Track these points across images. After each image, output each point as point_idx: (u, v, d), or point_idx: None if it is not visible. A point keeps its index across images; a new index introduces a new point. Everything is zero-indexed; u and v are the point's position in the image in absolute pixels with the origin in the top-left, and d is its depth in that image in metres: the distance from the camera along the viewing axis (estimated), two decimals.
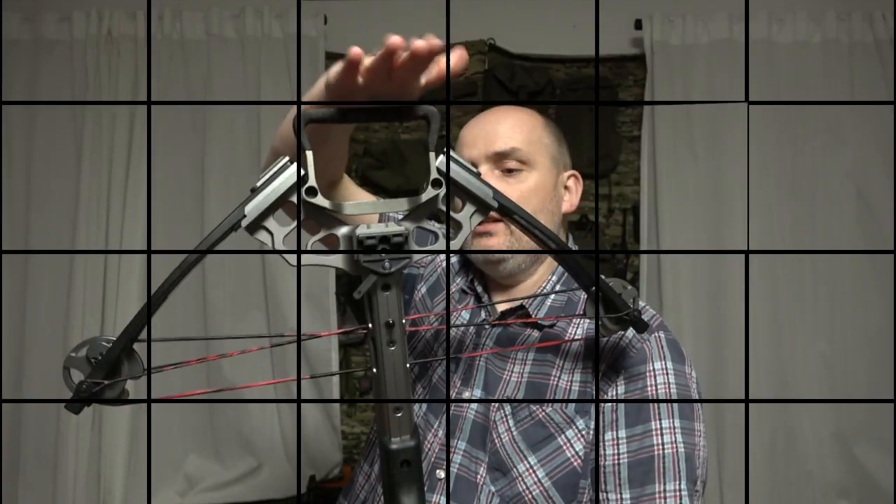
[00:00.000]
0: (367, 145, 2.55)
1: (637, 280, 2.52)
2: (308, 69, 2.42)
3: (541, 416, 0.96)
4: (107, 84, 2.37)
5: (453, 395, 1.01)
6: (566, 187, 1.10)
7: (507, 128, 1.04)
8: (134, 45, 2.39)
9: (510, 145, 1.03)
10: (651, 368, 0.93)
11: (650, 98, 2.46)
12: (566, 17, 2.57)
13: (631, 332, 0.96)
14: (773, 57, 2.45)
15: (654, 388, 0.92)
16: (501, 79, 2.51)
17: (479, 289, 1.10)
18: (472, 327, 1.06)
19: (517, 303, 1.05)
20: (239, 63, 2.41)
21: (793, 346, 2.40)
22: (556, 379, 0.98)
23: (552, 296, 1.05)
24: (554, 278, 1.08)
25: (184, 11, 2.42)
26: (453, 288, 1.12)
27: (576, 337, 1.00)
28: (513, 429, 0.96)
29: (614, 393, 0.93)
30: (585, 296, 1.00)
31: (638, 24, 2.48)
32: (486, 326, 1.05)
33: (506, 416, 0.97)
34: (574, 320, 1.02)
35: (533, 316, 1.03)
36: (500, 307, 1.06)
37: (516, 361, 1.00)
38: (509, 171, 1.03)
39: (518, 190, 1.02)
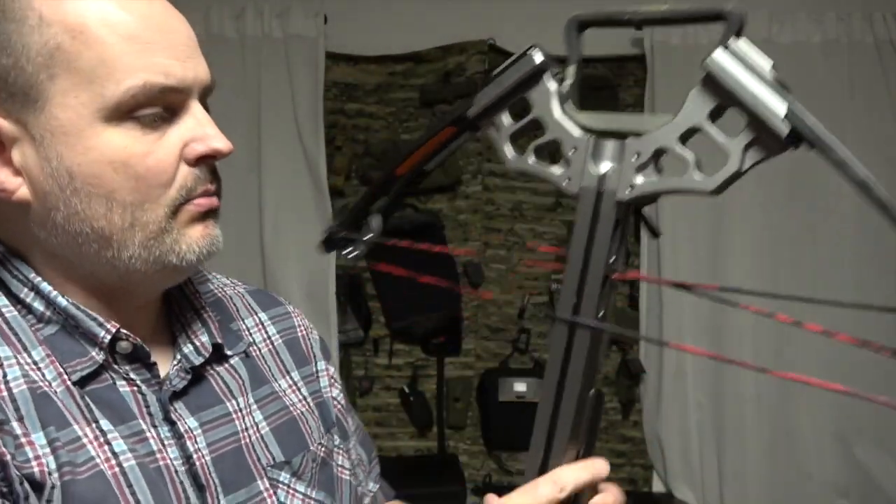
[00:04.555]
0: (367, 145, 2.55)
1: (636, 281, 2.52)
2: (308, 69, 2.42)
3: (322, 453, 0.74)
4: None
5: None
6: None
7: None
8: None
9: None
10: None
11: (650, 96, 2.46)
12: (566, 17, 2.56)
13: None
14: (773, 57, 2.42)
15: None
16: None
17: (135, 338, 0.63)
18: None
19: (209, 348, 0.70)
20: (239, 63, 2.41)
21: (793, 346, 2.40)
22: (291, 400, 0.75)
23: (201, 316, 0.70)
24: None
25: (184, 12, 2.41)
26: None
27: (272, 335, 0.77)
28: (309, 492, 0.72)
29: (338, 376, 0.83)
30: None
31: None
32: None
33: (288, 483, 0.70)
34: (238, 309, 0.76)
35: (224, 344, 0.70)
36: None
37: (239, 416, 0.69)
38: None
39: None
